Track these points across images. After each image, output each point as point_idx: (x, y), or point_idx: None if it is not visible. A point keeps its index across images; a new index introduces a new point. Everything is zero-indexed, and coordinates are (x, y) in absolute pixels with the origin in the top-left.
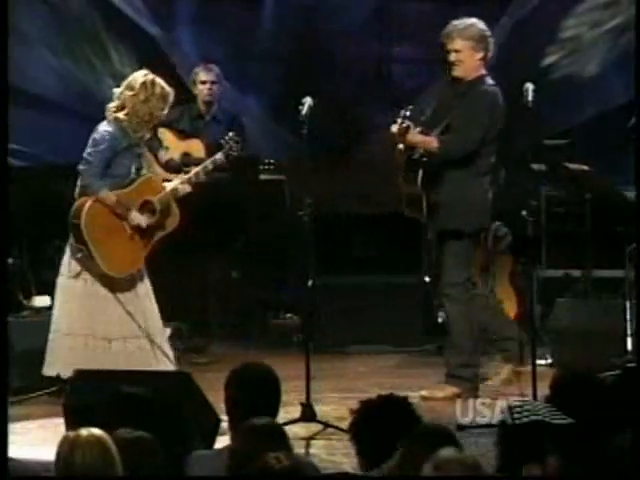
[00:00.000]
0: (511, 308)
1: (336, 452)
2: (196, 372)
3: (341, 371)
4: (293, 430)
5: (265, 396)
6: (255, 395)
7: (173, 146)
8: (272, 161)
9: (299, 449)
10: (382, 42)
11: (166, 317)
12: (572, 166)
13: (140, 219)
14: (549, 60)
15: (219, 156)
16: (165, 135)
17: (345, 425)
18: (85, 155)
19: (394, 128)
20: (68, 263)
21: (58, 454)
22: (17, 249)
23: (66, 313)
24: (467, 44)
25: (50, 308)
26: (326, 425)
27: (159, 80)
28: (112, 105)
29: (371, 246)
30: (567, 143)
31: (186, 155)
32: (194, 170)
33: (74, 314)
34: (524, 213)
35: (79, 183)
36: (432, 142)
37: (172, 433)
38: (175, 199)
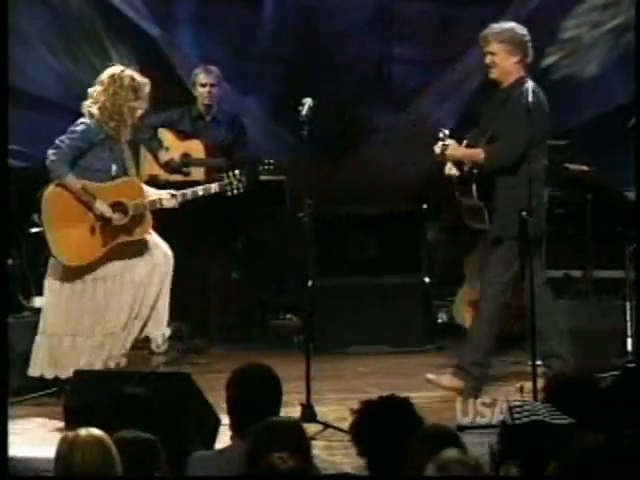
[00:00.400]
0: (511, 309)
1: (336, 452)
2: (196, 373)
3: (341, 372)
4: None
5: (266, 397)
6: (256, 396)
7: (173, 146)
8: (272, 161)
9: None
10: (382, 42)
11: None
12: (572, 167)
13: (105, 209)
14: (549, 60)
15: (214, 187)
16: (165, 135)
17: (345, 426)
18: (57, 141)
19: (437, 149)
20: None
21: (57, 454)
22: (17, 249)
23: (47, 312)
24: (502, 47)
25: None
26: (326, 426)
27: (130, 72)
28: (87, 102)
29: (371, 247)
30: (567, 144)
31: (186, 155)
32: (183, 190)
33: (58, 313)
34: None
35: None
36: (478, 154)
37: (172, 434)
38: (152, 210)
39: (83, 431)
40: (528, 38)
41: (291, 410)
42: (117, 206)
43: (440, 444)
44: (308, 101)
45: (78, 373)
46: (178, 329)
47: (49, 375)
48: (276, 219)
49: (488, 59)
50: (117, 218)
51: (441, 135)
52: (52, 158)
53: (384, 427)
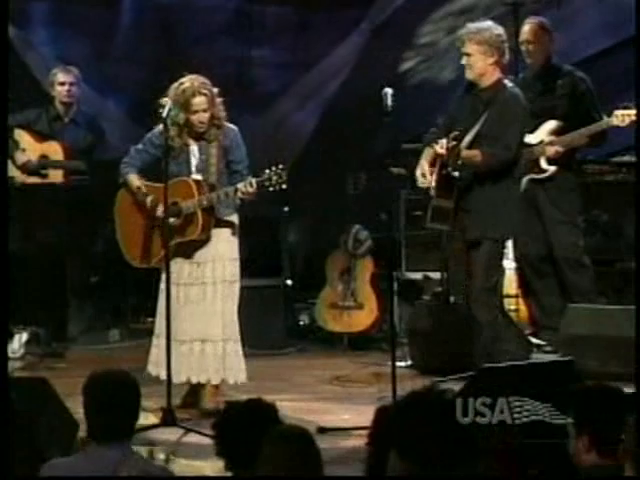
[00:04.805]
0: (371, 310)
1: (197, 456)
2: (54, 377)
3: None
4: (153, 435)
5: (124, 402)
6: (113, 401)
7: (30, 148)
8: None
9: (160, 453)
10: (242, 45)
11: (23, 322)
12: None
13: (151, 206)
14: (407, 65)
15: (253, 182)
16: (22, 137)
17: (207, 429)
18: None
19: (440, 149)
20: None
21: None
22: None
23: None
24: (478, 48)
25: None
26: (187, 429)
27: (188, 82)
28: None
29: None
30: (424, 147)
31: (44, 157)
32: (225, 189)
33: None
34: (384, 216)
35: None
36: (477, 155)
37: (28, 440)
38: (201, 209)
39: None
40: (504, 38)
41: (151, 414)
42: (174, 206)
43: (293, 445)
44: (168, 103)
45: None
46: (35, 333)
47: (163, 376)
48: None
49: (464, 60)
50: (174, 220)
51: (452, 135)
52: (122, 162)
53: (245, 429)
